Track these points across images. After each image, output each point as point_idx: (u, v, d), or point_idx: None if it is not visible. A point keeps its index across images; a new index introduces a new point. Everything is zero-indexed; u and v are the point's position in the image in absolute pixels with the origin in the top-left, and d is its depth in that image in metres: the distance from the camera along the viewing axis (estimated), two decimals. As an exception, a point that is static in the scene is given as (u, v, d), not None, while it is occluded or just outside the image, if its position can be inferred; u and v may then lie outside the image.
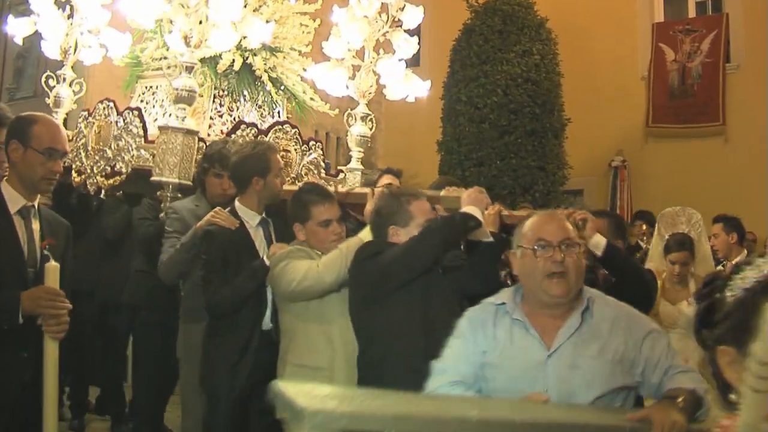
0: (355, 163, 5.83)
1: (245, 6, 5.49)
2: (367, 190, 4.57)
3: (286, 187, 4.68)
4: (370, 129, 5.81)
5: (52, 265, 3.30)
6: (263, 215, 4.47)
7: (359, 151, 5.83)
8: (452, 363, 2.95)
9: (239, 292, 4.14)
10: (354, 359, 3.69)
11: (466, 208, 3.67)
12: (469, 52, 11.11)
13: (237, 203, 4.45)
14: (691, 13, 13.04)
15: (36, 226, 3.48)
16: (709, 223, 6.76)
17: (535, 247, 2.94)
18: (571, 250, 2.95)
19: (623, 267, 4.03)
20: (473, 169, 10.73)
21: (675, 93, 12.59)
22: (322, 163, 5.75)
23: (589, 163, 12.32)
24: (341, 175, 5.92)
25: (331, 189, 4.42)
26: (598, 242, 3.87)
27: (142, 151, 5.18)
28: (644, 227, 8.15)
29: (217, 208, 4.42)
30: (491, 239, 3.70)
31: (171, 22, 4.89)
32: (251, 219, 4.42)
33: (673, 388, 2.73)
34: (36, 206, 3.52)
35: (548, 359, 2.83)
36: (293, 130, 5.52)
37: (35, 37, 5.89)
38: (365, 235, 3.90)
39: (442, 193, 4.17)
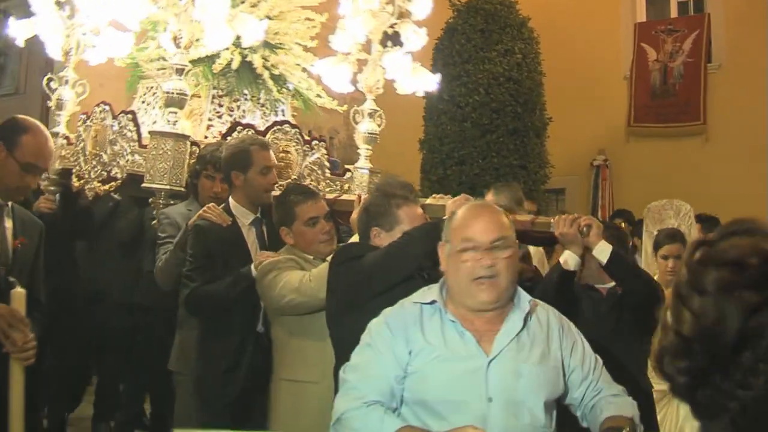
0: (363, 162, 5.65)
1: (242, 2, 5.36)
2: (354, 196, 4.39)
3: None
4: (379, 126, 5.64)
5: (18, 292, 3.18)
6: (258, 214, 4.34)
7: (367, 149, 5.65)
8: (366, 379, 2.65)
9: (219, 297, 4.02)
10: None
11: None
12: (451, 50, 11.08)
13: (231, 200, 4.33)
14: (673, 13, 13.10)
15: (9, 224, 3.43)
16: (687, 222, 6.69)
17: (461, 249, 2.67)
18: (504, 251, 2.68)
19: (628, 275, 3.88)
20: (455, 167, 10.73)
21: (657, 92, 12.65)
22: (326, 163, 5.57)
23: (571, 162, 12.33)
24: (348, 174, 5.75)
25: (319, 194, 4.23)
26: (603, 249, 3.67)
27: (137, 156, 5.03)
28: (623, 225, 8.15)
29: (210, 204, 4.30)
30: None
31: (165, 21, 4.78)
32: (244, 217, 4.31)
33: (613, 416, 2.71)
34: (9, 205, 3.47)
35: (489, 366, 2.62)
36: (293, 130, 5.35)
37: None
38: None
39: (428, 201, 3.98)
